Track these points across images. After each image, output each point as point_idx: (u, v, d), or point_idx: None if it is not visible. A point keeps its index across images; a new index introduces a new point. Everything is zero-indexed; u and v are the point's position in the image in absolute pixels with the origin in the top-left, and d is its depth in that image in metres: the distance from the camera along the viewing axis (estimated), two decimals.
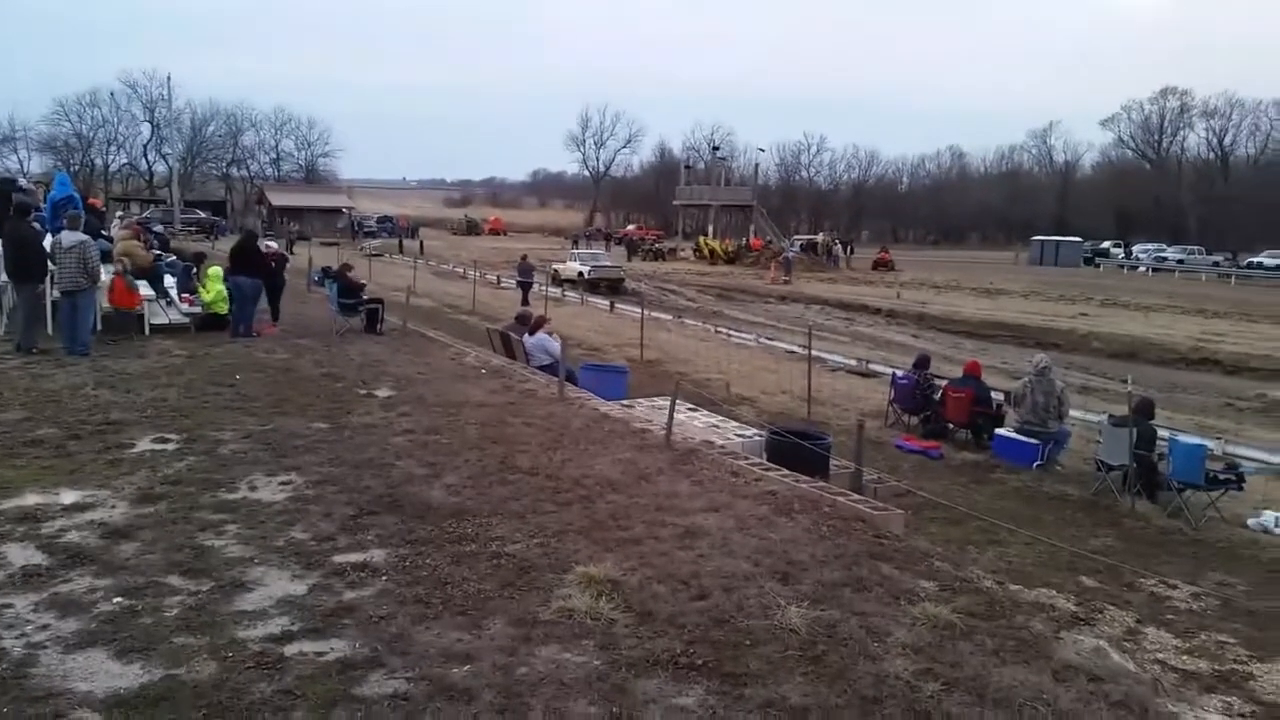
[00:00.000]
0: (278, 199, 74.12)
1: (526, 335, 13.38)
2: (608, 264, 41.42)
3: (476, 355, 13.36)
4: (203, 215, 63.71)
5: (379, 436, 8.25)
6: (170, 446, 7.65)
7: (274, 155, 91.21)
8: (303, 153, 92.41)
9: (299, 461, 7.32)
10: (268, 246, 16.80)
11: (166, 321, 14.20)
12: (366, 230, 69.23)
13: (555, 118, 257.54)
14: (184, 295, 15.30)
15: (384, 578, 5.11)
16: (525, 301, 26.67)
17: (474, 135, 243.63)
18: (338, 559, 5.36)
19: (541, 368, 12.44)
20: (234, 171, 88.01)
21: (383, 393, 10.24)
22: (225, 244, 37.63)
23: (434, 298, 28.51)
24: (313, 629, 4.46)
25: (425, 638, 4.41)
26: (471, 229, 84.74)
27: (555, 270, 39.73)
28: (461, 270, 40.76)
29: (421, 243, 59.68)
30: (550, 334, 13.50)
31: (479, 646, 4.34)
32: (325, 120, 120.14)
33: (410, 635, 4.43)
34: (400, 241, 60.47)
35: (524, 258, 32.44)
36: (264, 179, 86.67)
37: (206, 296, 14.61)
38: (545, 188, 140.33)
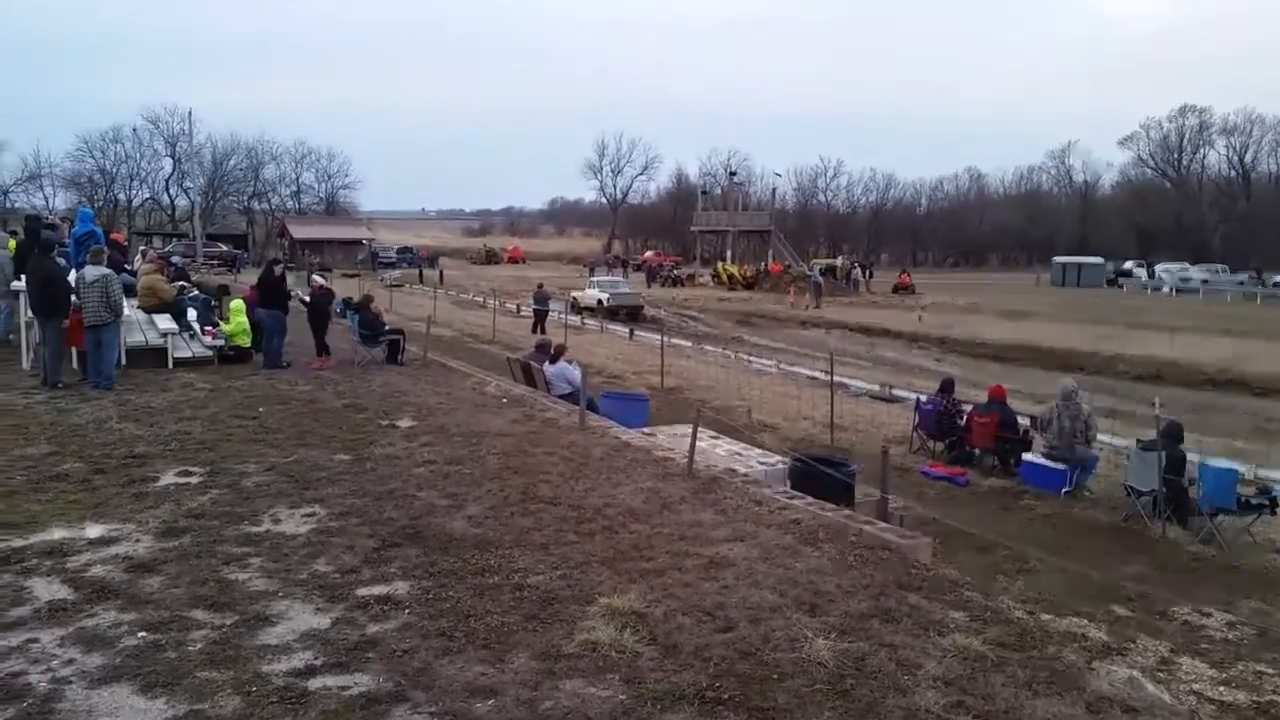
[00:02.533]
0: (299, 231, 74.82)
1: (547, 364, 13.39)
2: (626, 291, 41.36)
3: (497, 385, 13.37)
4: (224, 248, 64.34)
5: (401, 468, 8.25)
6: (194, 480, 7.68)
7: (295, 188, 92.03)
8: (323, 185, 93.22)
9: (322, 494, 7.32)
10: (319, 284, 16.89)
11: (190, 355, 14.30)
12: (386, 261, 69.70)
13: (572, 146, 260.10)
14: (206, 328, 15.44)
15: (407, 610, 5.08)
16: (542, 329, 26.70)
17: (492, 165, 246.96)
18: (361, 592, 5.34)
19: (562, 396, 12.43)
20: (255, 205, 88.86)
21: (404, 423, 10.26)
22: (246, 277, 38.22)
23: (454, 327, 28.63)
24: (336, 663, 4.44)
25: (449, 671, 4.38)
26: (490, 258, 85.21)
27: (574, 298, 39.73)
28: (481, 299, 40.96)
29: (441, 272, 60.06)
30: (570, 362, 13.51)
31: (503, 680, 4.30)
32: (345, 152, 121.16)
33: (434, 669, 4.40)
34: (420, 271, 60.92)
35: (540, 286, 32.56)
36: (285, 211, 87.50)
37: (228, 329, 14.74)
38: (563, 216, 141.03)
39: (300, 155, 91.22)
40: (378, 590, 5.37)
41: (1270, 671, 6.12)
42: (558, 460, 8.64)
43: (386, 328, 16.19)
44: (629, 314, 36.88)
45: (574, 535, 6.44)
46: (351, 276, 48.07)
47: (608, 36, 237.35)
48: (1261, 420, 19.55)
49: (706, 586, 5.55)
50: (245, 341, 14.79)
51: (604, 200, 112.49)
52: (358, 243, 74.56)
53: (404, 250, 76.34)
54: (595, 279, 45.45)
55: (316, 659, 4.48)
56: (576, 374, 12.62)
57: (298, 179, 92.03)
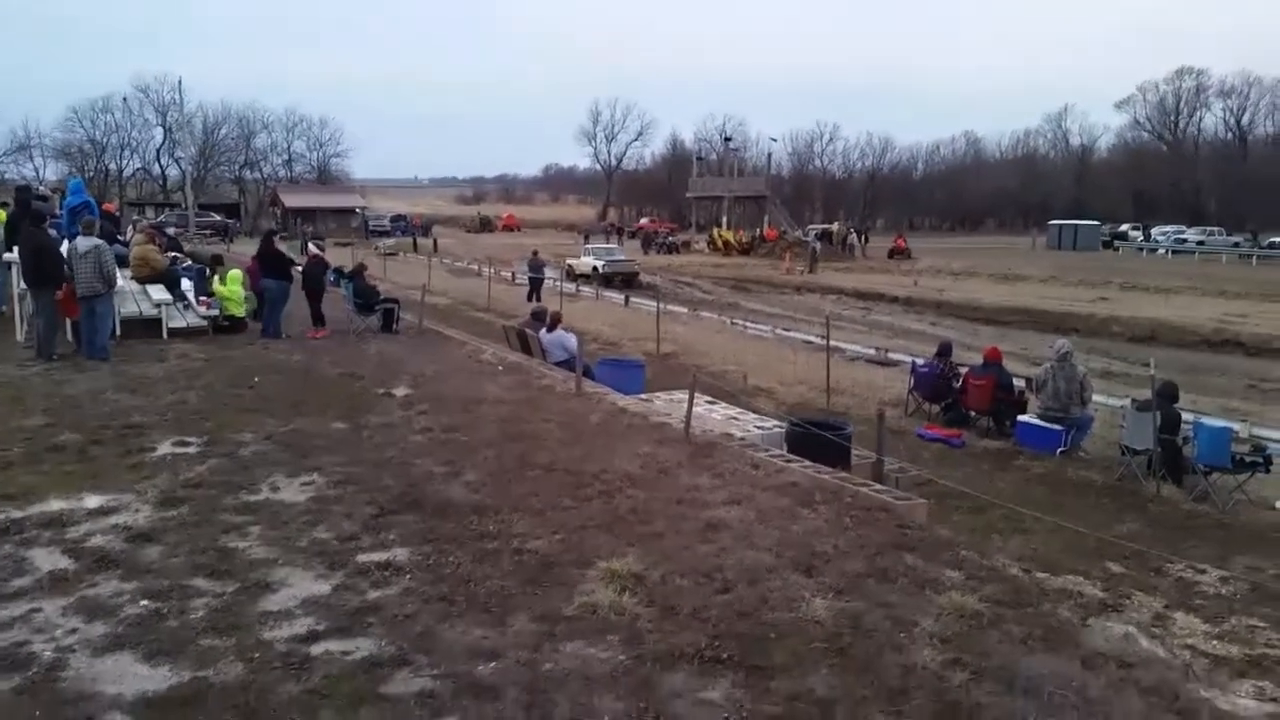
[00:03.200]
0: (291, 200, 74.41)
1: (543, 331, 13.38)
2: (622, 258, 41.20)
3: (493, 352, 13.37)
4: (217, 218, 64.00)
5: (398, 435, 8.26)
6: (191, 449, 7.69)
7: (286, 156, 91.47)
8: (315, 153, 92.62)
9: (319, 462, 7.33)
10: (313, 253, 16.80)
11: (184, 325, 14.27)
12: (379, 229, 69.35)
13: (566, 112, 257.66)
14: (201, 298, 15.39)
15: (407, 576, 5.12)
16: (538, 297, 26.65)
17: (486, 132, 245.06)
18: (361, 558, 5.37)
19: (558, 363, 12.44)
20: (247, 174, 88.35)
21: (400, 392, 10.26)
22: (240, 246, 38.08)
23: (449, 295, 28.57)
24: (338, 628, 4.47)
25: (450, 635, 4.42)
26: (485, 226, 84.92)
27: (569, 265, 39.58)
28: (476, 267, 40.80)
29: (435, 241, 59.84)
30: (567, 329, 13.50)
31: (503, 643, 4.33)
32: (337, 120, 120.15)
33: (435, 633, 4.44)
34: (414, 240, 60.67)
35: (535, 253, 32.42)
36: (277, 180, 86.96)
37: (222, 292, 14.70)
38: (558, 183, 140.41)
39: (292, 123, 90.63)
40: (377, 556, 5.39)
41: (1262, 625, 6.19)
42: (555, 427, 8.66)
43: (381, 296, 16.14)
44: (624, 281, 36.80)
45: (571, 500, 6.46)
46: (345, 245, 47.81)
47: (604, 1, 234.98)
48: (1255, 379, 19.62)
49: (704, 549, 5.59)
50: (240, 311, 14.76)
51: (599, 167, 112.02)
52: (351, 211, 74.25)
53: (398, 218, 75.94)
54: (590, 246, 45.34)
55: (318, 624, 4.51)
56: (573, 341, 12.61)
57: (289, 147, 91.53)
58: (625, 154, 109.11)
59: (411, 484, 6.78)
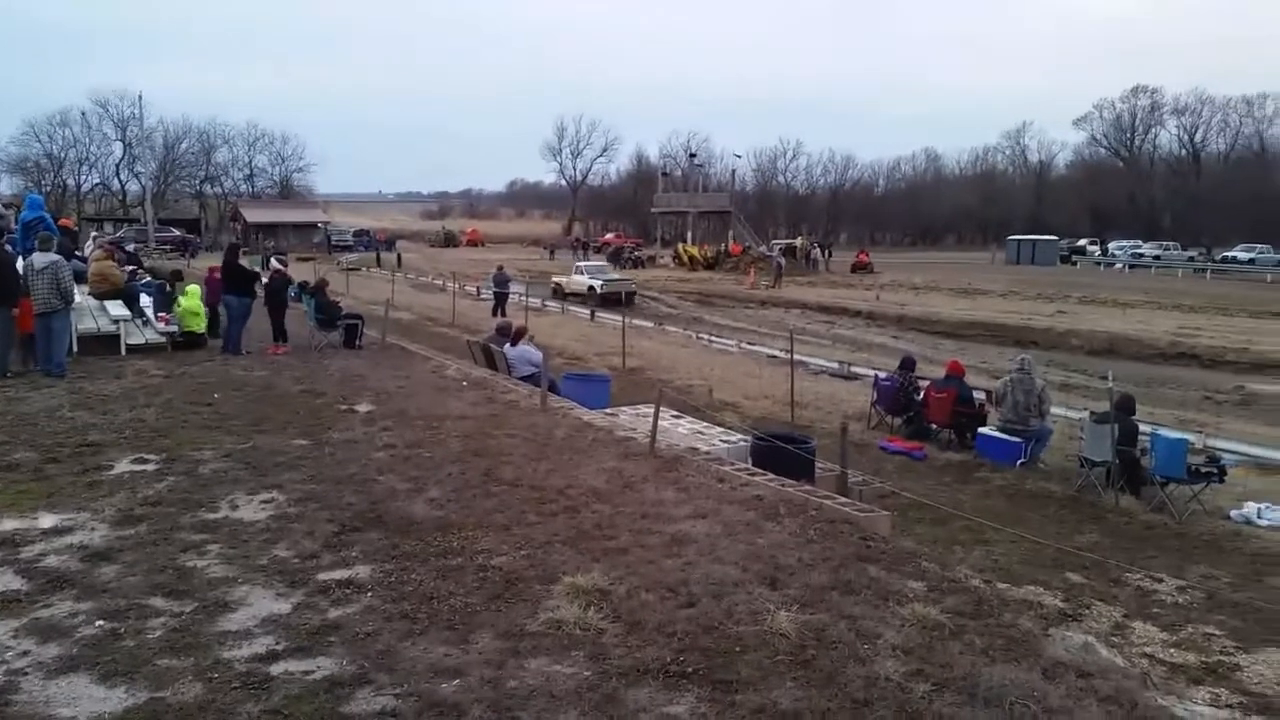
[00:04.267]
0: (252, 215, 73.60)
1: (508, 346, 13.34)
2: (618, 277, 39.68)
3: (458, 368, 13.31)
4: (177, 233, 63.15)
5: (360, 452, 8.19)
6: (150, 467, 7.57)
7: (248, 171, 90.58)
8: (277, 168, 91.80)
9: (280, 479, 7.25)
10: (275, 269, 16.65)
11: (143, 341, 14.07)
12: (342, 244, 68.79)
13: (532, 128, 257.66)
14: (160, 315, 15.18)
15: (369, 594, 5.06)
16: (502, 312, 26.56)
17: (450, 147, 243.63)
18: (322, 576, 5.31)
19: (523, 378, 12.40)
20: (208, 189, 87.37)
21: (363, 408, 10.18)
22: (201, 262, 37.61)
23: (413, 311, 28.41)
24: (299, 648, 4.42)
25: (412, 653, 4.37)
26: (449, 241, 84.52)
27: (558, 284, 38.41)
28: (440, 282, 40.63)
29: (399, 255, 59.49)
30: (531, 344, 13.48)
31: (467, 661, 4.30)
32: (299, 135, 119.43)
33: (397, 651, 4.39)
34: (378, 255, 60.21)
35: (500, 268, 32.18)
36: (238, 195, 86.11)
37: (181, 308, 14.51)
38: (523, 198, 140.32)
39: (253, 138, 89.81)
40: (339, 574, 5.34)
41: (1217, 633, 6.32)
42: (520, 442, 8.63)
43: (343, 312, 16.02)
44: (620, 300, 34.90)
45: (536, 516, 6.43)
46: (307, 260, 47.40)
47: (568, 16, 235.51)
48: (1210, 391, 20.02)
49: (669, 563, 5.59)
50: (199, 326, 14.58)
51: (564, 182, 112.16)
52: (313, 226, 73.56)
53: (361, 233, 75.39)
54: (583, 264, 42.73)
55: (278, 644, 4.45)
56: (538, 356, 12.59)
57: (251, 162, 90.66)
58: (590, 169, 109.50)
59: (374, 501, 6.72)
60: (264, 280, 16.58)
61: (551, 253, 69.51)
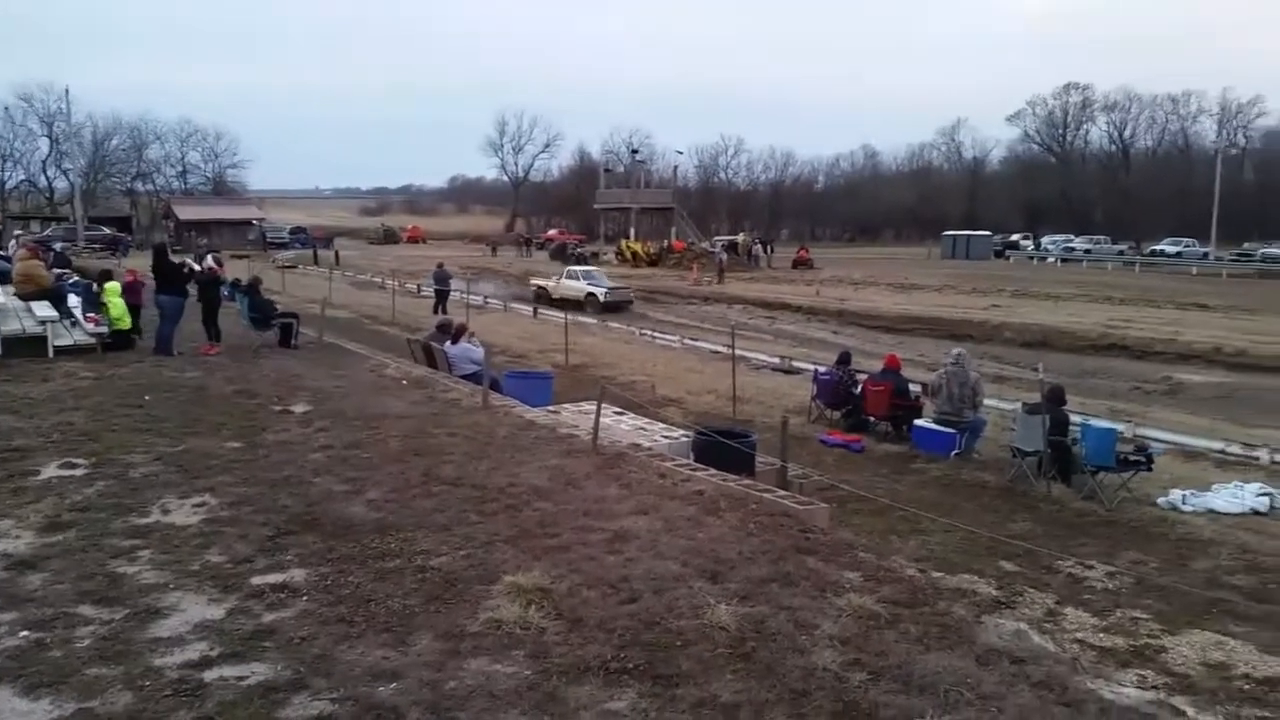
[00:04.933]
0: (185, 213, 71.89)
1: (449, 344, 13.22)
2: (617, 284, 35.52)
3: (397, 367, 13.16)
4: (107, 232, 61.41)
5: (296, 453, 8.06)
6: (78, 472, 7.37)
7: (180, 168, 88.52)
8: (210, 165, 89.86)
9: (213, 482, 7.11)
10: (210, 267, 16.28)
11: (71, 343, 13.67)
12: (278, 241, 67.47)
13: (472, 123, 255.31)
14: (89, 315, 14.77)
15: (305, 598, 4.99)
16: (443, 309, 26.31)
17: (390, 142, 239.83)
18: (256, 581, 5.22)
19: (465, 376, 12.30)
20: (139, 186, 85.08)
21: (299, 408, 10.02)
22: (132, 261, 36.61)
23: (351, 309, 28.00)
24: (232, 653, 4.34)
25: (349, 657, 4.32)
26: (389, 238, 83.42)
27: (542, 288, 34.63)
28: (380, 280, 40.07)
29: (337, 253, 58.49)
30: (473, 341, 13.39)
31: (405, 663, 4.26)
32: (233, 131, 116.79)
33: (334, 655, 4.33)
34: (315, 252, 59.15)
35: (440, 265, 31.82)
36: (170, 193, 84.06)
37: (114, 312, 14.15)
38: (464, 194, 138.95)
39: (186, 134, 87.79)
40: (273, 579, 5.25)
41: (1145, 617, 6.50)
42: (461, 441, 8.56)
43: (278, 310, 15.74)
44: (617, 308, 31.96)
45: (477, 515, 6.40)
46: (241, 258, 46.39)
47: (508, 10, 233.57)
48: (1139, 381, 20.61)
49: (611, 560, 5.60)
50: (127, 324, 14.22)
51: (506, 178, 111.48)
52: (248, 223, 72.04)
53: (297, 230, 73.83)
54: (576, 269, 37.21)
55: (211, 650, 4.38)
56: (479, 353, 12.50)
57: (183, 159, 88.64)
58: (533, 165, 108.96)
59: (310, 503, 6.62)
60: (198, 270, 16.21)
61: (494, 249, 69.00)
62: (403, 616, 4.76)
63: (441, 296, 28.66)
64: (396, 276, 36.32)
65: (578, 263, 56.83)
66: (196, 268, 16.09)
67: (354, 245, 73.52)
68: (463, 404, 10.38)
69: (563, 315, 22.02)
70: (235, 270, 27.64)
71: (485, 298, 32.20)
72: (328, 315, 17.05)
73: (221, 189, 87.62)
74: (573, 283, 34.05)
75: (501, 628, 4.60)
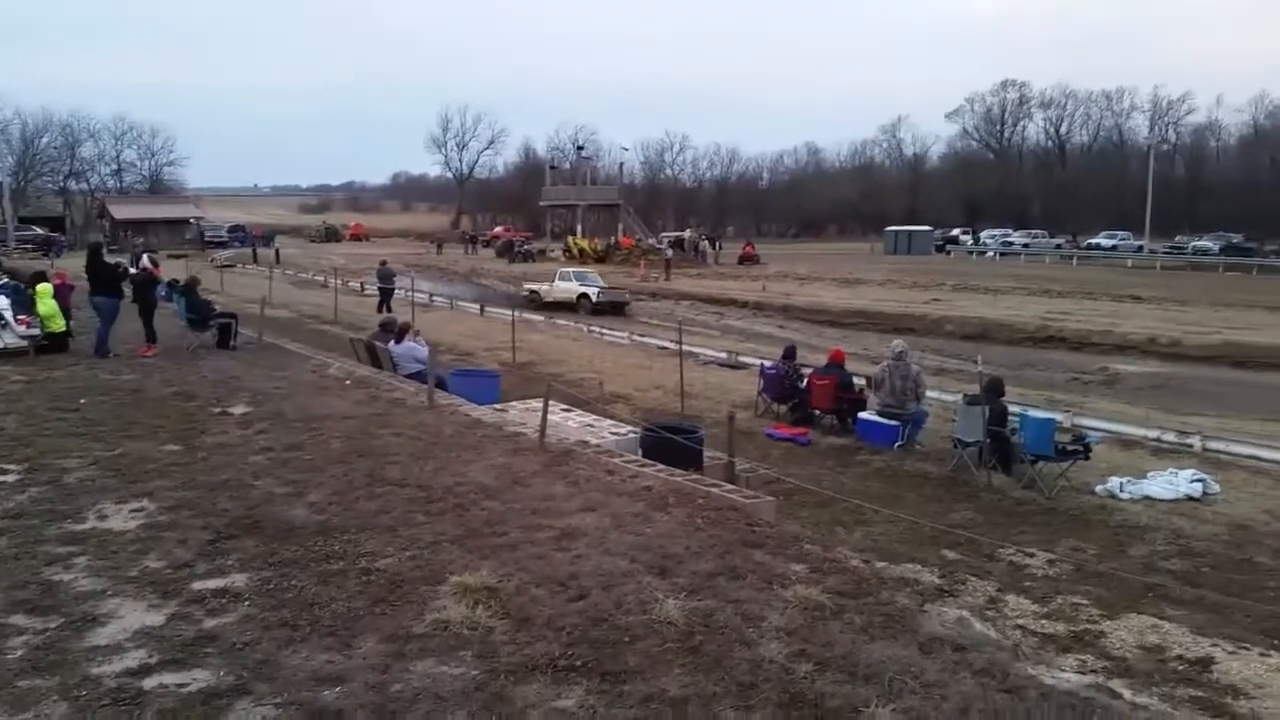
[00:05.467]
0: (120, 212, 70.23)
1: (393, 343, 13.08)
2: (612, 286, 34.90)
3: (340, 366, 12.98)
4: (39, 232, 59.71)
5: (236, 456, 7.91)
6: (10, 478, 7.17)
7: (115, 166, 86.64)
8: (146, 163, 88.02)
9: (151, 487, 6.95)
10: (146, 267, 15.89)
11: (2, 345, 13.27)
12: (216, 240, 66.15)
13: (415, 119, 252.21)
14: (20, 317, 14.33)
15: (247, 602, 4.90)
16: (387, 308, 26.00)
17: (330, 139, 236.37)
18: (196, 586, 5.12)
19: (410, 376, 12.19)
20: (72, 185, 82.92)
21: (239, 410, 9.84)
22: (65, 262, 35.63)
23: (292, 308, 27.54)
24: (173, 660, 4.25)
25: (293, 661, 4.25)
26: (331, 236, 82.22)
27: (534, 291, 33.64)
28: (322, 279, 39.47)
29: (277, 251, 57.51)
30: (417, 335, 13.27)
31: (350, 666, 4.21)
32: (169, 128, 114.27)
33: (277, 660, 4.27)
34: (254, 251, 58.11)
35: (383, 263, 31.31)
36: (105, 191, 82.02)
37: (44, 312, 13.76)
38: (407, 191, 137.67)
39: (120, 132, 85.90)
40: (214, 584, 5.15)
41: (1084, 603, 6.67)
42: (406, 441, 8.48)
43: (216, 311, 15.44)
44: (613, 309, 31.13)
45: (423, 516, 6.34)
46: (179, 257, 45.39)
47: (451, 5, 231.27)
48: (1077, 372, 21.12)
49: (559, 557, 5.58)
50: (60, 326, 13.85)
51: (450, 175, 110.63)
52: (185, 222, 70.69)
53: (236, 228, 72.51)
54: (568, 270, 36.31)
55: (151, 657, 4.28)
56: (424, 352, 12.39)
57: (118, 157, 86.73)
58: (477, 162, 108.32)
59: (251, 506, 6.51)
60: (132, 272, 15.85)
61: (439, 247, 68.43)
62: (347, 619, 4.69)
63: (385, 295, 28.31)
64: (338, 274, 35.76)
65: (524, 260, 56.89)
66: (132, 270, 15.72)
67: (295, 243, 72.34)
68: (408, 403, 10.28)
69: (511, 312, 21.87)
70: (172, 270, 27.04)
71: (452, 300, 31.85)
72: (268, 315, 16.73)
73: (158, 187, 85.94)
74: (565, 284, 33.26)
75: (448, 628, 4.56)
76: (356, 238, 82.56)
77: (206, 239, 66.03)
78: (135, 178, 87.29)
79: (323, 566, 5.40)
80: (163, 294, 16.35)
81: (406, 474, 7.34)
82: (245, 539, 5.87)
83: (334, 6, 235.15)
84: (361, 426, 9.04)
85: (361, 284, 35.91)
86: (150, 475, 7.26)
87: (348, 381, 11.71)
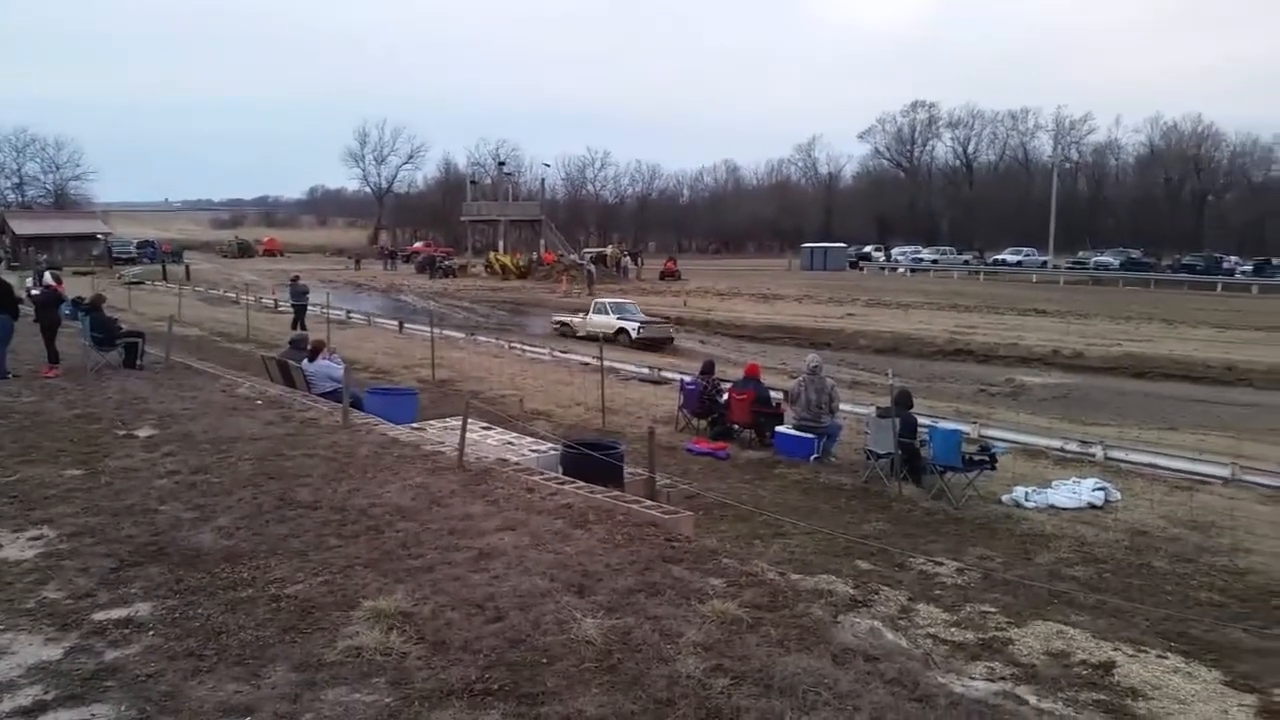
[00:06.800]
0: (22, 227, 67.50)
1: (306, 361, 12.81)
2: (654, 319, 30.43)
3: (251, 386, 12.66)
4: None
5: (141, 480, 7.65)
6: None
7: (17, 180, 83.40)
8: (50, 176, 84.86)
9: (50, 514, 6.69)
10: (47, 285, 15.27)
11: None
12: (124, 256, 63.98)
13: (332, 133, 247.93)
14: None
15: (151, 633, 4.75)
16: (302, 325, 25.45)
17: (244, 153, 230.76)
18: (98, 616, 4.94)
19: (324, 395, 11.95)
20: None
21: (144, 432, 9.52)
22: None
23: (203, 326, 26.79)
24: (71, 695, 4.10)
25: (199, 693, 4.13)
26: (244, 251, 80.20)
27: (566, 323, 30.51)
28: (234, 295, 38.46)
29: (188, 267, 55.90)
30: (332, 353, 13.03)
31: (259, 696, 4.10)
32: (75, 141, 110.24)
33: (182, 692, 4.14)
34: (164, 267, 56.34)
35: (295, 279, 30.55)
36: (7, 206, 78.79)
37: None
38: (324, 206, 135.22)
39: (23, 144, 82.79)
40: (116, 614, 4.97)
41: (992, 611, 6.83)
42: (318, 462, 8.31)
43: (123, 329, 14.93)
44: (655, 345, 27.41)
45: (336, 539, 6.22)
46: (85, 274, 43.74)
47: (366, 18, 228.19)
48: (985, 384, 21.76)
49: (476, 579, 5.53)
50: None
51: (369, 189, 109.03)
52: (92, 237, 68.18)
53: (145, 244, 70.27)
54: (605, 300, 31.92)
55: (47, 693, 4.12)
56: (339, 370, 12.16)
57: (20, 170, 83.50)
58: (396, 176, 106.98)
59: (156, 532, 6.30)
60: (34, 293, 15.24)
61: (357, 263, 67.35)
62: (256, 648, 4.58)
63: (299, 311, 27.71)
64: (251, 291, 34.87)
65: (445, 275, 56.29)
66: (34, 291, 15.14)
67: (207, 259, 70.41)
68: (321, 423, 10.08)
69: (429, 329, 21.58)
70: (78, 287, 26.05)
71: (369, 316, 31.09)
72: (177, 333, 16.26)
73: (64, 202, 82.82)
74: (601, 317, 29.48)
75: (361, 655, 4.48)
76: (271, 253, 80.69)
77: (114, 255, 63.82)
78: (39, 191, 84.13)
79: (230, 594, 5.26)
80: (67, 312, 15.76)
81: (319, 496, 7.19)
82: (150, 566, 5.68)
83: (246, 18, 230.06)
84: (273, 448, 8.83)
85: (275, 301, 35.07)
86: (50, 501, 6.99)
87: (259, 401, 11.43)
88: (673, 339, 29.11)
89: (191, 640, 4.65)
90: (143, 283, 45.05)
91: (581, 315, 30.47)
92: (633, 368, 20.52)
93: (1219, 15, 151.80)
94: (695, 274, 57.07)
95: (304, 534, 6.30)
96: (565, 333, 29.86)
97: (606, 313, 29.60)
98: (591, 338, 27.00)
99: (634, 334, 28.00)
